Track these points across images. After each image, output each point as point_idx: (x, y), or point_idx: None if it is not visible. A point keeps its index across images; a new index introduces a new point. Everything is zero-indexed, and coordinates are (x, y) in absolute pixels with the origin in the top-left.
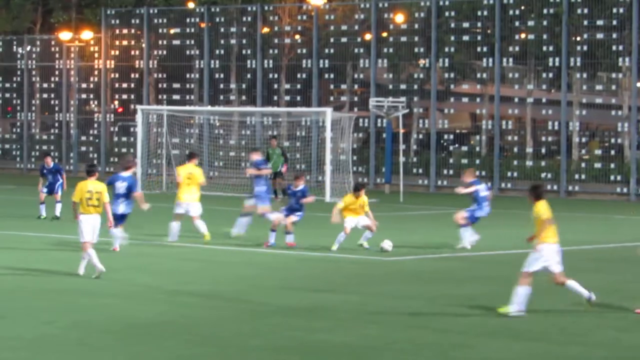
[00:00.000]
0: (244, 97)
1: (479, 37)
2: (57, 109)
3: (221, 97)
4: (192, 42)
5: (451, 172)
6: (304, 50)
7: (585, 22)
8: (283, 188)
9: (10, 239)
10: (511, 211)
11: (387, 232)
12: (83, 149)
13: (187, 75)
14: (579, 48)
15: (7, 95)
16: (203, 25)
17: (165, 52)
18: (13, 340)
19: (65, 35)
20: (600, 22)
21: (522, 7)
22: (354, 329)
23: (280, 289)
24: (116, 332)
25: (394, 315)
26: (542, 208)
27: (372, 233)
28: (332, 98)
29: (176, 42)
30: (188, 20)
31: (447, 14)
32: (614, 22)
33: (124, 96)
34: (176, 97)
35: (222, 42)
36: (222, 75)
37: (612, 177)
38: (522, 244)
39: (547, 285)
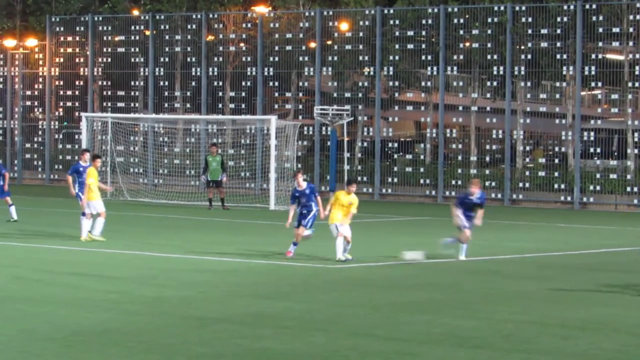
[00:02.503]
0: (188, 105)
1: (423, 46)
2: (1, 116)
3: (166, 105)
4: (137, 49)
5: (395, 180)
6: (249, 58)
7: (530, 31)
8: (222, 198)
9: None
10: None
11: (332, 240)
12: (27, 156)
13: (132, 83)
14: (523, 57)
15: None
16: (148, 32)
17: (110, 60)
18: None
19: (9, 42)
20: (544, 31)
21: (467, 16)
22: (299, 337)
23: (227, 297)
24: (60, 339)
25: (339, 323)
26: None
27: (349, 244)
28: (276, 106)
29: (121, 49)
30: (133, 27)
31: (391, 22)
32: (558, 31)
33: (69, 103)
34: (121, 104)
35: (167, 49)
36: (166, 83)
37: (556, 186)
38: (470, 251)
39: (492, 292)
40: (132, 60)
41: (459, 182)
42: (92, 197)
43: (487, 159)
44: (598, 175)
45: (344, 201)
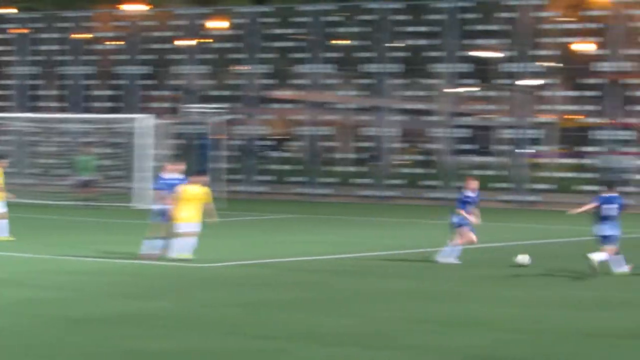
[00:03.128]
0: (60, 104)
1: (298, 44)
2: None
3: (37, 104)
4: (7, 48)
5: (270, 178)
6: (122, 57)
7: (404, 29)
8: (91, 197)
9: None
10: (332, 217)
11: (207, 239)
12: None
13: (2, 82)
14: (396, 54)
15: None
16: (19, 30)
17: None
18: None
19: None
20: (418, 29)
21: (342, 14)
22: (170, 337)
23: (99, 297)
24: None
25: (211, 322)
26: None
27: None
28: (150, 104)
29: None
30: (3, 25)
31: (266, 20)
32: (432, 29)
33: None
34: None
35: (38, 48)
36: (38, 82)
37: (428, 182)
38: (334, 249)
39: (362, 289)
40: (3, 58)
41: (334, 180)
42: None
43: (361, 156)
44: (469, 172)
45: (195, 195)
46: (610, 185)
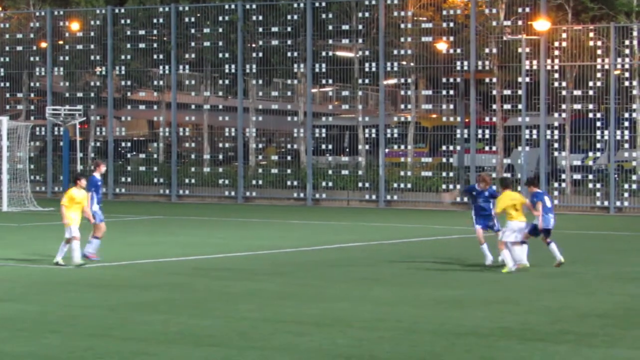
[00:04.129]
0: None
1: (155, 45)
2: None
3: None
4: None
5: (129, 179)
6: None
7: (260, 29)
8: None
9: None
10: (191, 218)
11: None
12: None
13: None
14: (254, 55)
15: None
16: None
17: None
18: None
19: None
20: (275, 29)
21: (198, 15)
22: (33, 339)
23: None
24: None
25: (74, 324)
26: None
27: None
28: (8, 106)
29: None
30: None
31: (122, 21)
32: (289, 29)
33: None
34: None
35: None
36: None
37: (288, 183)
38: (194, 250)
39: (227, 290)
40: None
41: (193, 181)
42: None
43: (221, 157)
44: (330, 172)
45: (79, 199)
46: (532, 182)
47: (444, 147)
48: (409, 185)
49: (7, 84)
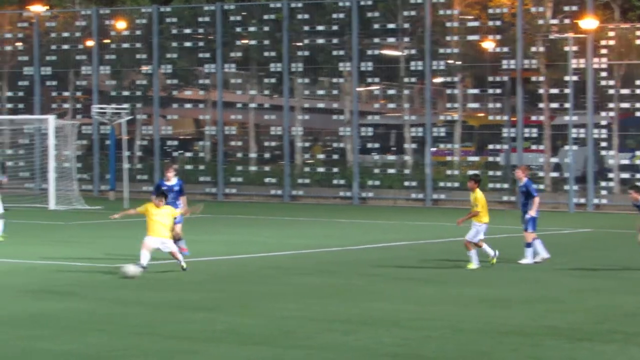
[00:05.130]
0: None
1: (201, 43)
2: None
3: None
4: None
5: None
6: (26, 58)
7: (306, 28)
8: None
9: None
10: (237, 216)
11: (111, 239)
12: None
13: None
14: (300, 53)
15: None
16: None
17: None
18: None
19: None
20: (320, 28)
21: (243, 13)
22: (77, 337)
23: (4, 298)
24: None
25: (119, 323)
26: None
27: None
28: (54, 105)
29: None
30: None
31: (168, 20)
32: (334, 27)
33: None
34: None
35: None
36: None
37: (335, 181)
38: (239, 249)
39: (273, 288)
40: None
41: (239, 180)
42: None
43: (267, 155)
44: (376, 171)
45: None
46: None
47: (490, 146)
48: (455, 184)
49: (54, 83)
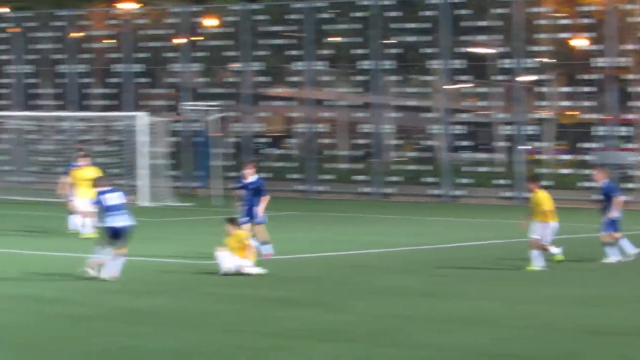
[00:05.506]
0: (57, 102)
1: (291, 41)
2: None
3: (34, 102)
4: (3, 47)
5: (267, 175)
6: (117, 55)
7: (396, 25)
8: None
9: None
10: (329, 214)
11: (204, 236)
12: None
13: (0, 81)
14: (390, 51)
15: None
16: (13, 30)
17: None
18: None
19: None
20: (411, 25)
21: (333, 11)
22: (174, 334)
23: (101, 293)
24: None
25: (213, 320)
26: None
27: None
28: (145, 102)
29: None
30: None
31: (258, 17)
32: (425, 25)
33: None
34: None
35: (34, 47)
36: (34, 81)
37: (426, 179)
38: (332, 246)
39: (364, 286)
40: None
41: (330, 177)
42: None
43: (358, 153)
44: (468, 169)
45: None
46: None
47: (582, 145)
48: (548, 183)
49: (145, 80)
